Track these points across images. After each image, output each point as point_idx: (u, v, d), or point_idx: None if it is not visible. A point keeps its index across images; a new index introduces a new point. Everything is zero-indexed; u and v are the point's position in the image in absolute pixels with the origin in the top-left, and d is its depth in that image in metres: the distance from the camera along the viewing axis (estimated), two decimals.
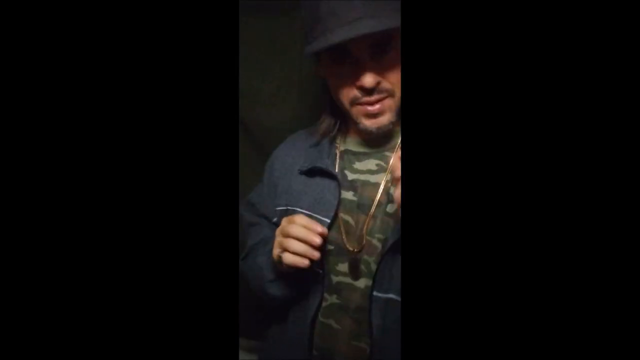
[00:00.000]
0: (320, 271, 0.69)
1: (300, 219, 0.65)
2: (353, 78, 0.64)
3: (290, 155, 0.79)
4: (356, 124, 0.68)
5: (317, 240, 0.62)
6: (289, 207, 0.73)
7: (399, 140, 0.69)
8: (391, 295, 0.64)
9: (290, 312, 0.74)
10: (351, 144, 0.74)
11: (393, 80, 0.64)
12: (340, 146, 0.74)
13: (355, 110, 0.67)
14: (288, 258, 0.64)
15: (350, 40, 0.60)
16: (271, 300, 0.75)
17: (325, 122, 0.75)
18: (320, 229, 0.63)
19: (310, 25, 0.64)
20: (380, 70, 0.63)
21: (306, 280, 0.71)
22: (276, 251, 0.67)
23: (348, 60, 0.64)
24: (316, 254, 0.63)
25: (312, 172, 0.73)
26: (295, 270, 0.66)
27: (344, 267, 0.68)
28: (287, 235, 0.64)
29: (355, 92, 0.65)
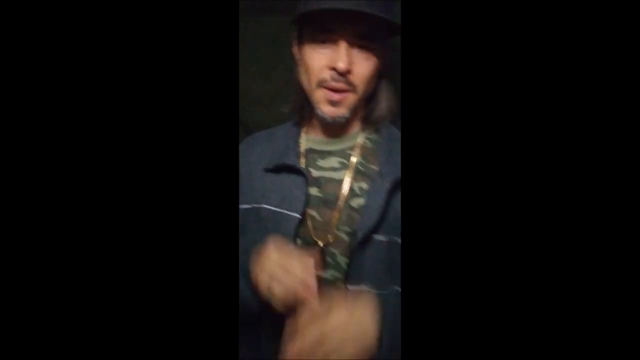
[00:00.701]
0: None
1: (300, 258, 0.62)
2: (328, 60, 0.67)
3: (252, 156, 0.79)
4: (314, 110, 0.71)
5: (314, 287, 0.60)
6: (254, 205, 0.73)
7: (359, 141, 0.74)
8: (363, 287, 0.66)
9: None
10: (313, 142, 0.76)
11: (360, 77, 0.68)
12: (304, 145, 0.76)
13: (319, 94, 0.69)
14: (279, 290, 0.61)
15: (339, 23, 0.64)
16: (253, 316, 0.71)
17: (290, 104, 0.78)
18: (314, 269, 0.61)
19: None
20: (354, 62, 0.66)
21: None
22: (266, 280, 0.62)
23: (330, 41, 0.67)
24: (314, 301, 0.59)
25: (279, 169, 0.74)
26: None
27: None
28: (286, 271, 0.61)
29: (325, 75, 0.68)
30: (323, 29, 0.66)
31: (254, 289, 0.64)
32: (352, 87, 0.68)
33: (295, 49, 0.75)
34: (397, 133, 0.77)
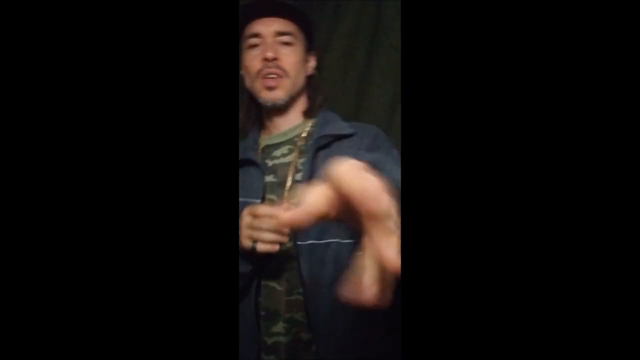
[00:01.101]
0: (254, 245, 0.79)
1: (264, 209, 0.75)
2: (260, 54, 0.84)
3: None
4: (257, 100, 0.86)
5: (286, 230, 0.73)
6: None
7: (304, 131, 0.88)
8: (310, 241, 0.80)
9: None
10: (268, 139, 0.91)
11: (288, 64, 0.83)
12: (261, 145, 0.91)
13: (258, 84, 0.84)
14: (262, 247, 0.74)
15: (260, 23, 0.82)
16: (241, 277, 0.83)
17: (242, 113, 0.92)
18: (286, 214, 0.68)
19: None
20: (281, 53, 0.83)
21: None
22: (246, 242, 0.75)
23: (259, 44, 0.84)
24: (285, 239, 0.75)
25: (242, 164, 0.87)
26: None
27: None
28: (256, 229, 0.74)
29: (259, 65, 0.83)
30: (251, 35, 0.83)
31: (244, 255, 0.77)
32: (283, 72, 0.83)
33: (242, 66, 0.89)
34: (332, 115, 0.91)
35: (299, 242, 0.80)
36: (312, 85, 0.89)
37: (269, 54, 0.81)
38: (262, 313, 0.82)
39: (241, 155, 0.87)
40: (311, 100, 0.89)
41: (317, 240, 0.80)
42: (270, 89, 0.83)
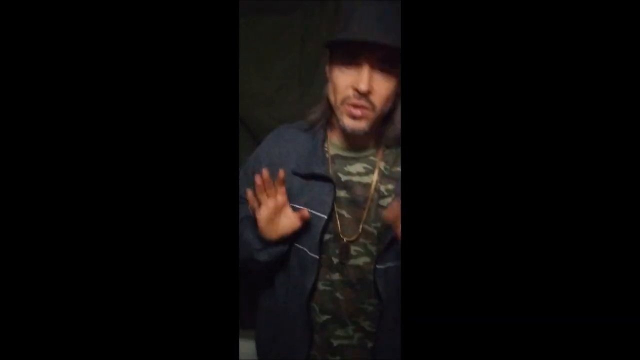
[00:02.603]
0: (317, 257, 0.84)
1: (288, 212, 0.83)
2: (352, 81, 0.78)
3: (277, 151, 0.91)
4: (338, 121, 0.83)
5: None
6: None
7: (380, 151, 0.87)
8: (389, 264, 0.83)
9: (288, 286, 0.88)
10: (338, 149, 0.88)
11: (379, 97, 0.79)
12: (330, 151, 0.88)
13: (342, 109, 0.81)
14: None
15: (364, 50, 0.76)
16: (258, 264, 0.88)
17: (316, 114, 0.89)
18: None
19: (344, 19, 0.79)
20: (375, 84, 0.78)
21: (304, 261, 0.86)
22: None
23: (355, 63, 0.78)
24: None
25: (310, 177, 0.86)
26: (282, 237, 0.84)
27: (338, 251, 0.85)
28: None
29: (349, 93, 0.79)
30: (350, 54, 0.78)
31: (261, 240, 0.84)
32: (371, 106, 0.79)
33: (326, 68, 0.86)
34: None
35: (377, 266, 0.83)
36: (395, 106, 0.84)
37: (362, 87, 0.76)
38: (328, 317, 0.87)
39: (309, 165, 0.86)
40: (388, 126, 0.85)
41: (394, 263, 0.83)
42: (355, 118, 0.80)
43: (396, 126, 0.84)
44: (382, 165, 0.85)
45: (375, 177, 0.85)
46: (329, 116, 0.88)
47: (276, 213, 0.82)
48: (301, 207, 0.84)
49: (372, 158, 0.86)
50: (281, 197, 0.82)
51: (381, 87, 0.78)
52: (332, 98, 0.83)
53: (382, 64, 0.77)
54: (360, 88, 0.76)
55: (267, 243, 0.85)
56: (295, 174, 0.86)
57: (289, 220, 0.83)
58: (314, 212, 0.84)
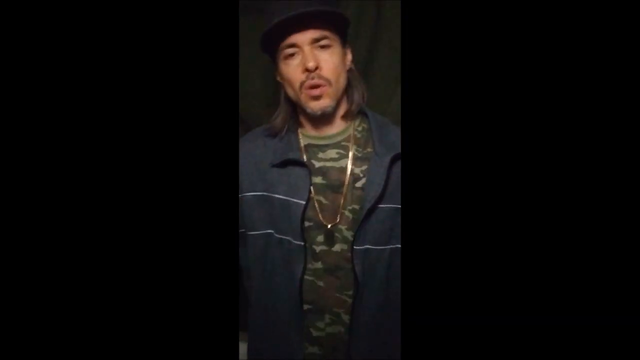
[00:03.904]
0: (303, 243, 0.85)
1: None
2: (300, 66, 0.82)
3: (254, 151, 0.93)
4: (305, 110, 0.86)
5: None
6: (264, 193, 0.89)
7: (350, 133, 0.89)
8: (367, 246, 0.83)
9: (277, 279, 0.88)
10: (309, 138, 0.90)
11: (329, 71, 0.83)
12: (302, 142, 0.90)
13: (303, 97, 0.84)
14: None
15: (296, 35, 0.81)
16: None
17: (280, 117, 0.92)
18: None
19: (264, 19, 0.83)
20: (321, 60, 0.82)
21: (289, 252, 0.86)
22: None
23: (294, 52, 0.83)
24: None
25: (284, 164, 0.88)
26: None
27: (321, 238, 0.86)
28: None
29: (302, 77, 0.83)
30: (287, 46, 0.82)
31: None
32: (326, 81, 0.83)
33: (276, 75, 0.90)
34: (381, 119, 0.91)
35: (355, 247, 0.83)
36: (350, 82, 0.89)
37: (310, 65, 0.81)
38: (309, 307, 0.87)
39: (284, 153, 0.88)
40: (349, 99, 0.89)
41: (373, 245, 0.83)
42: (317, 98, 0.83)
43: (354, 95, 0.88)
44: (354, 148, 0.87)
45: (349, 161, 0.87)
46: (295, 116, 0.92)
47: None
48: (282, 196, 0.85)
49: (343, 143, 0.89)
50: None
51: (327, 61, 0.82)
52: (290, 93, 0.86)
53: (319, 41, 0.81)
54: (308, 66, 0.80)
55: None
56: (274, 165, 0.88)
57: None
58: (292, 199, 0.85)
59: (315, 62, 0.81)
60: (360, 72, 1.32)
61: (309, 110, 0.85)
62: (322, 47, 0.82)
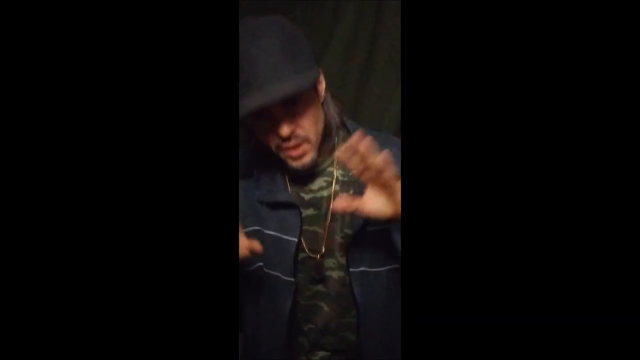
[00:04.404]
0: (292, 279, 0.83)
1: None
2: (273, 129, 0.76)
3: (247, 187, 0.88)
4: (285, 164, 0.80)
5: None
6: (257, 228, 0.85)
7: (334, 155, 0.83)
8: (362, 269, 0.82)
9: (266, 314, 0.87)
10: (294, 171, 0.83)
11: (306, 128, 0.76)
12: (287, 176, 0.86)
13: (282, 155, 0.79)
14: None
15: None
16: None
17: (247, 157, 0.87)
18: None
19: (242, 74, 0.73)
20: (294, 120, 0.75)
21: (276, 286, 0.84)
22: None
23: (266, 116, 0.75)
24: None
25: (275, 206, 0.85)
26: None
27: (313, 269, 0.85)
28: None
29: (277, 141, 0.77)
30: (258, 111, 0.73)
31: None
32: (302, 139, 0.77)
33: (244, 124, 0.82)
34: (353, 126, 0.85)
35: (351, 269, 0.82)
36: (325, 112, 0.81)
37: (284, 132, 0.74)
38: (311, 326, 0.87)
39: (272, 195, 0.85)
40: (328, 126, 0.82)
41: (370, 268, 0.82)
42: (296, 158, 0.77)
43: (331, 121, 0.81)
44: (339, 173, 0.84)
45: (333, 187, 0.84)
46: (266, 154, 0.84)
47: None
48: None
49: (329, 169, 0.85)
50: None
51: (303, 119, 0.75)
52: (267, 146, 0.79)
53: (289, 104, 0.73)
54: (282, 135, 0.74)
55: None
56: (261, 202, 0.85)
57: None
58: (284, 236, 0.83)
59: (289, 128, 0.74)
60: (360, 72, 1.31)
61: (289, 167, 0.79)
62: (294, 105, 0.74)
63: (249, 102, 0.71)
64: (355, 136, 0.65)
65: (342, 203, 0.72)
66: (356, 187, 0.81)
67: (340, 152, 0.67)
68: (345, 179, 0.84)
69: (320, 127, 0.79)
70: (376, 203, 0.72)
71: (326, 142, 0.83)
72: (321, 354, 0.88)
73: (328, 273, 0.84)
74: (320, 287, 0.85)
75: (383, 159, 0.66)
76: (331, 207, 0.83)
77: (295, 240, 0.83)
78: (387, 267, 0.82)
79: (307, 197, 0.85)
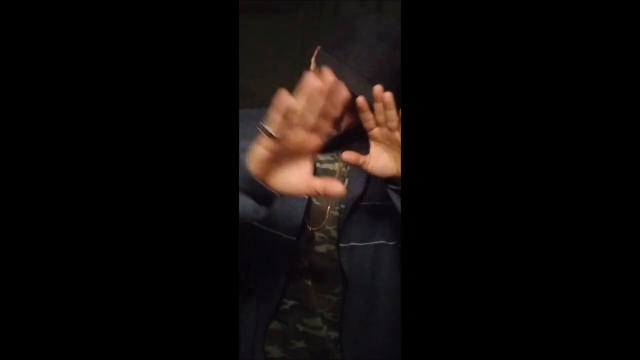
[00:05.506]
0: (295, 239, 0.84)
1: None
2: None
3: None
4: None
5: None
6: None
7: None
8: (352, 243, 0.83)
9: (265, 268, 0.88)
10: None
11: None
12: None
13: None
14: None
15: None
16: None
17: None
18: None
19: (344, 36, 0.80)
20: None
21: (277, 245, 0.85)
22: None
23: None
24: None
25: None
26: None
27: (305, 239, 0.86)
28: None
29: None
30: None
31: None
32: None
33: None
34: None
35: (341, 244, 0.83)
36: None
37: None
38: (295, 303, 0.87)
39: None
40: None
41: (358, 242, 0.84)
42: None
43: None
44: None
45: (339, 161, 0.86)
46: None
47: (295, 156, 0.58)
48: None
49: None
50: (315, 141, 0.55)
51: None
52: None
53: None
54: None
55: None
56: None
57: (298, 180, 0.59)
58: (293, 199, 0.84)
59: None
60: None
61: None
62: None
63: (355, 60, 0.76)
64: (379, 86, 0.69)
65: (351, 155, 0.73)
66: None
67: (362, 100, 0.70)
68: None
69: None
70: (381, 160, 0.75)
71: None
72: (299, 344, 0.87)
73: (317, 247, 0.85)
74: (305, 264, 0.86)
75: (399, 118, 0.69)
76: (342, 158, 0.77)
77: (304, 205, 0.83)
78: (374, 242, 0.84)
79: (320, 166, 0.87)
